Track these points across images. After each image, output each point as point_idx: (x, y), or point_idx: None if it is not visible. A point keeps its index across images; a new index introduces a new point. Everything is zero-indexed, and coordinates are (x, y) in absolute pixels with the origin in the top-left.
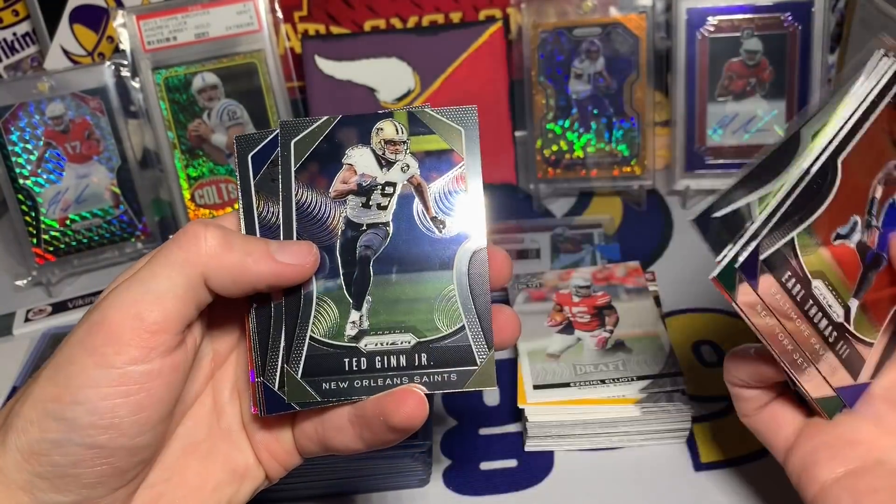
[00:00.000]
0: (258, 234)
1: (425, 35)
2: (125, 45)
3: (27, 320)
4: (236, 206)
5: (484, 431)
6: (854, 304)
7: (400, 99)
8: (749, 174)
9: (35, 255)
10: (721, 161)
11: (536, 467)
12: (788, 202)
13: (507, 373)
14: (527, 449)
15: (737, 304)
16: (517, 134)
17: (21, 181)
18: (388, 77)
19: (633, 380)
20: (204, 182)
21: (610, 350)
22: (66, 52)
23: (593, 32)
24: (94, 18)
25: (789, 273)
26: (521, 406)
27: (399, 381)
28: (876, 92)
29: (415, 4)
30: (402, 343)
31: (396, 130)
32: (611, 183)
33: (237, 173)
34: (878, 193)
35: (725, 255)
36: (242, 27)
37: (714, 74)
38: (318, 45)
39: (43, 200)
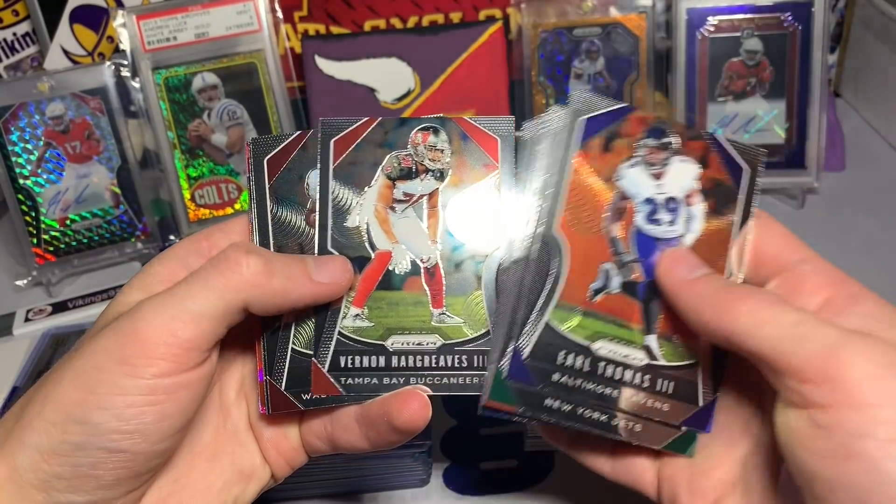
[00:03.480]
0: (271, 237)
1: (425, 35)
2: (125, 45)
3: (27, 320)
4: (237, 206)
5: (484, 431)
6: (652, 339)
7: (400, 99)
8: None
9: (35, 255)
10: None
11: (536, 467)
12: (524, 298)
13: None
14: (527, 449)
15: (519, 416)
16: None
17: (21, 181)
18: (388, 77)
19: None
20: (204, 182)
21: None
22: (66, 52)
23: (593, 32)
24: (94, 18)
25: (563, 352)
26: None
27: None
28: (561, 145)
29: (415, 4)
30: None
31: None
32: None
33: (251, 176)
34: (617, 232)
35: (488, 377)
36: (242, 27)
37: (714, 74)
38: (318, 45)
39: (43, 200)
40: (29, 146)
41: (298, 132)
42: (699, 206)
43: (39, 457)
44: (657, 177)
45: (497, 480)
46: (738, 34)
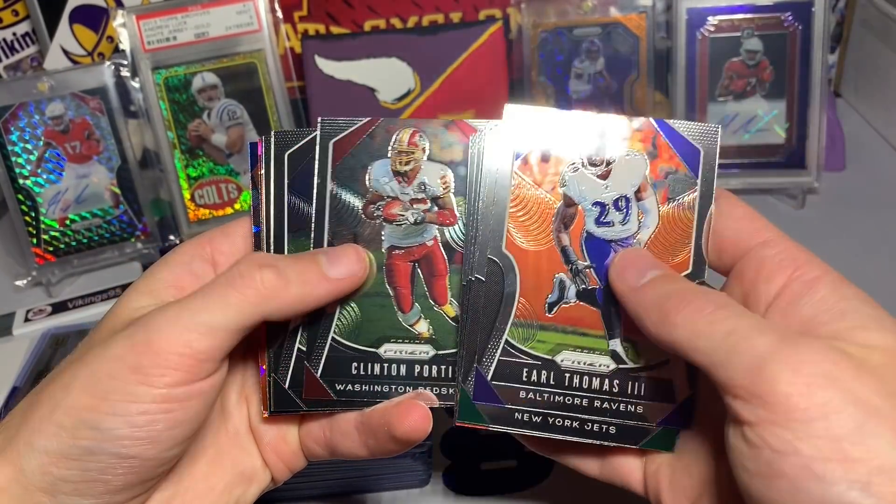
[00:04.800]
0: (327, 223)
1: (425, 35)
2: (125, 45)
3: (27, 320)
4: (237, 206)
5: (484, 432)
6: (616, 343)
7: (400, 99)
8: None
9: (35, 255)
10: (721, 161)
11: (536, 467)
12: (480, 321)
13: None
14: (527, 449)
15: (495, 430)
16: None
17: (21, 181)
18: (388, 77)
19: None
20: (204, 182)
21: None
22: (66, 52)
23: (593, 32)
24: (94, 18)
25: (527, 369)
26: None
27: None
28: (493, 166)
29: (415, 4)
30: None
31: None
32: None
33: (270, 170)
34: (567, 241)
35: (456, 398)
36: (242, 27)
37: (714, 74)
38: (318, 45)
39: (43, 200)
40: (29, 146)
41: (367, 119)
42: (651, 199)
43: (48, 460)
44: (603, 177)
45: (497, 480)
46: (738, 34)
